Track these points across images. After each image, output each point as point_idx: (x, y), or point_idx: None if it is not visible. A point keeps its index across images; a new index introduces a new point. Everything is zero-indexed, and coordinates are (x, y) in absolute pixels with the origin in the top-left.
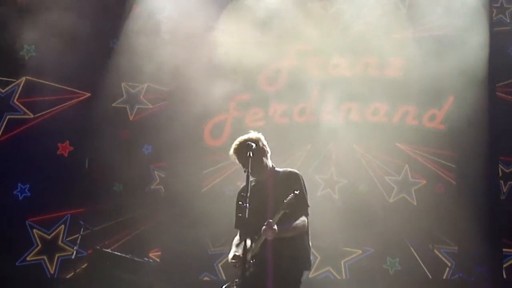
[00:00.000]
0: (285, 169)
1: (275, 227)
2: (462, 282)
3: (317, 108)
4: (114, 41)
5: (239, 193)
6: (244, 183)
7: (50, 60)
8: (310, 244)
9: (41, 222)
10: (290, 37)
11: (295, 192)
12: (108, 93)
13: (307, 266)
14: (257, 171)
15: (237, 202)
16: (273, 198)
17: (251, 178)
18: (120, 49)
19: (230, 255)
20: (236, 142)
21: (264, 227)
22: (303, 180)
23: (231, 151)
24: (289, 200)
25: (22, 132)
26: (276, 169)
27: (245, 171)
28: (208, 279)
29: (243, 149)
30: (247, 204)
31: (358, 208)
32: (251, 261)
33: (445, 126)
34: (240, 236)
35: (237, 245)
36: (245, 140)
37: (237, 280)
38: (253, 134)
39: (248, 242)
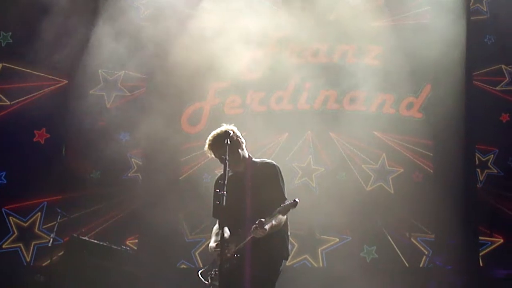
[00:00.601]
0: (262, 160)
1: (267, 227)
2: (439, 270)
3: (295, 96)
4: (91, 28)
5: (217, 180)
6: (222, 171)
7: (27, 47)
8: (289, 233)
9: (17, 210)
10: (269, 24)
11: (295, 200)
12: (85, 80)
13: (285, 255)
14: (234, 162)
15: (215, 190)
16: (251, 188)
17: (228, 169)
18: (97, 36)
19: (212, 245)
20: (210, 137)
21: (254, 225)
22: (280, 172)
23: (206, 146)
24: (286, 205)
25: None
26: (253, 159)
27: (221, 161)
28: (185, 266)
29: (219, 140)
30: (225, 192)
31: (335, 196)
32: (235, 255)
33: (422, 114)
34: (219, 224)
35: (217, 234)
36: (219, 133)
37: (216, 269)
38: (225, 127)
39: (226, 232)
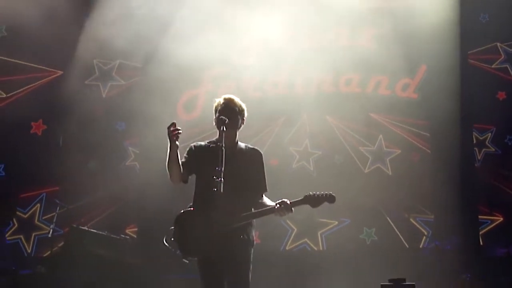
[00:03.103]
0: (247, 145)
1: (293, 209)
2: (438, 250)
3: (290, 80)
4: (84, 18)
5: (193, 148)
6: (200, 143)
7: (22, 39)
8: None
9: (17, 202)
10: (260, 8)
11: (333, 194)
12: (80, 71)
13: (253, 243)
14: (233, 133)
15: (190, 154)
16: (235, 169)
17: (210, 140)
18: (91, 26)
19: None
20: (232, 96)
21: (281, 206)
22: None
23: (226, 98)
24: (321, 197)
25: None
26: (239, 142)
27: (218, 144)
28: None
29: (237, 106)
30: (222, 179)
31: (333, 179)
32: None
33: (418, 95)
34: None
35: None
36: (240, 102)
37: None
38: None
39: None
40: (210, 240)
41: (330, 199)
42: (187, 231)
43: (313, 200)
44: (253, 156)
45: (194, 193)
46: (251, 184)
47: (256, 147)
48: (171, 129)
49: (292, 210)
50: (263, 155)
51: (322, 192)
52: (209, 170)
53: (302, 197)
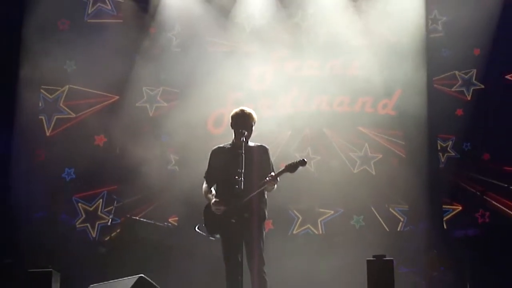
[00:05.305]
0: (256, 143)
1: (278, 179)
2: (412, 233)
3: (295, 101)
4: (135, 55)
5: (216, 151)
6: (220, 145)
7: (87, 71)
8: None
9: (84, 198)
10: (271, 45)
11: (304, 159)
12: (132, 96)
13: (265, 216)
14: (248, 138)
15: (213, 157)
16: (250, 163)
17: (227, 143)
18: (141, 61)
19: (213, 201)
20: (248, 109)
21: (268, 179)
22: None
23: (243, 111)
24: (296, 162)
25: (67, 128)
26: (249, 142)
27: (239, 151)
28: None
29: (253, 121)
30: (242, 178)
31: (330, 178)
32: (240, 210)
33: (395, 112)
34: (208, 184)
35: (210, 192)
36: (255, 116)
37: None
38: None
39: (213, 192)
40: (230, 212)
41: (302, 163)
42: (212, 213)
43: (291, 167)
44: (262, 151)
45: (216, 190)
46: (263, 173)
47: (263, 144)
48: (217, 210)
49: (277, 179)
50: (269, 149)
51: (297, 160)
52: (230, 170)
53: (283, 168)
